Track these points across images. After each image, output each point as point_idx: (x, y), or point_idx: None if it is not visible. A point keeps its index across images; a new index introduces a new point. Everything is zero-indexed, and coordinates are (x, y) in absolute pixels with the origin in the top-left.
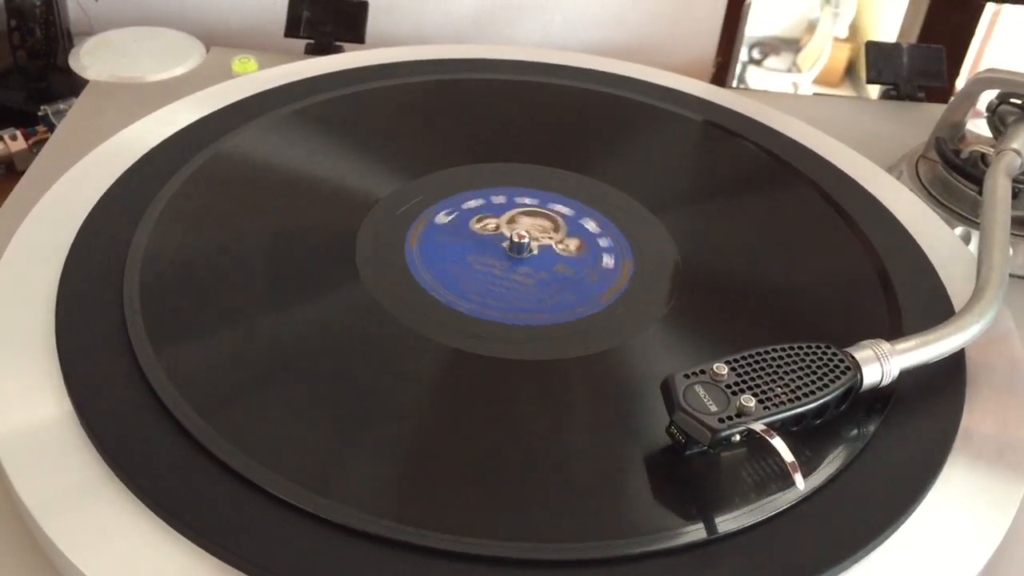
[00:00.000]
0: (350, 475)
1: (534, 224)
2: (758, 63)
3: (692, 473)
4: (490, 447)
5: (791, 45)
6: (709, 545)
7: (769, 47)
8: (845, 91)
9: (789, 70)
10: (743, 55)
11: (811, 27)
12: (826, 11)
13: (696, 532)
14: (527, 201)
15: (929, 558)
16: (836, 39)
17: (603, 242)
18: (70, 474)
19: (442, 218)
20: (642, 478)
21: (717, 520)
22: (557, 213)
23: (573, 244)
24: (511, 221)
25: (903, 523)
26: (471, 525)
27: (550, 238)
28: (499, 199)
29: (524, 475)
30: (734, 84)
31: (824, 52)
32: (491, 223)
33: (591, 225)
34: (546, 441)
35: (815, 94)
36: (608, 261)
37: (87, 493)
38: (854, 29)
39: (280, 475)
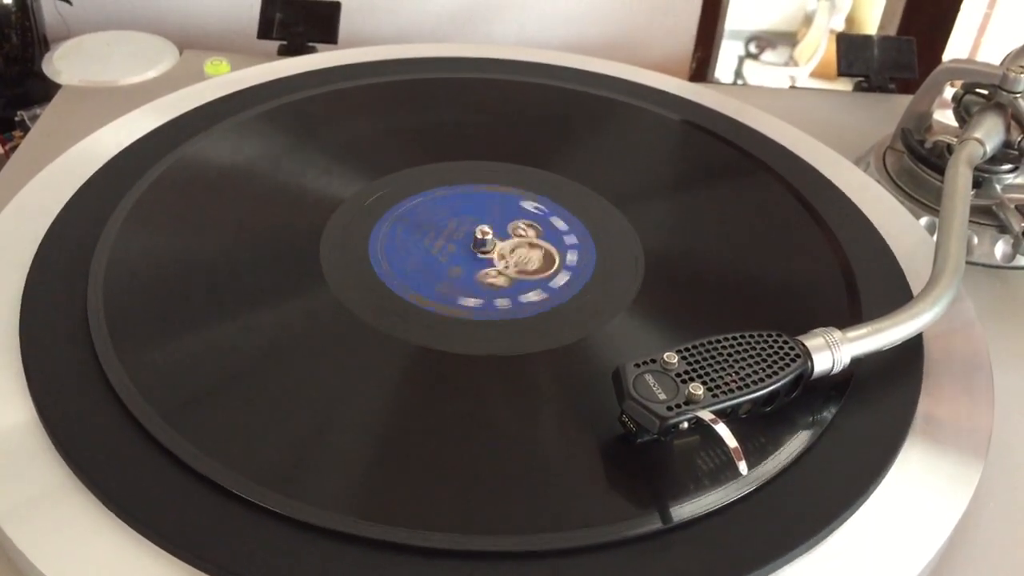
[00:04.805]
0: (317, 475)
1: (524, 255)
2: (755, 57)
3: (647, 463)
4: (451, 443)
5: (788, 39)
6: (666, 533)
7: (766, 41)
8: (842, 84)
9: (786, 64)
10: (740, 50)
11: (808, 20)
12: (822, 4)
13: (652, 521)
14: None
15: (886, 541)
16: (833, 32)
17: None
18: (35, 481)
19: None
20: (598, 468)
21: (673, 508)
22: (561, 257)
23: (500, 280)
24: (515, 247)
25: (861, 506)
26: (428, 519)
27: (504, 265)
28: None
29: (485, 469)
30: (728, 80)
31: (821, 45)
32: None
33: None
34: (508, 435)
35: (792, 87)
36: (502, 303)
37: (52, 500)
38: (851, 21)
39: (247, 477)
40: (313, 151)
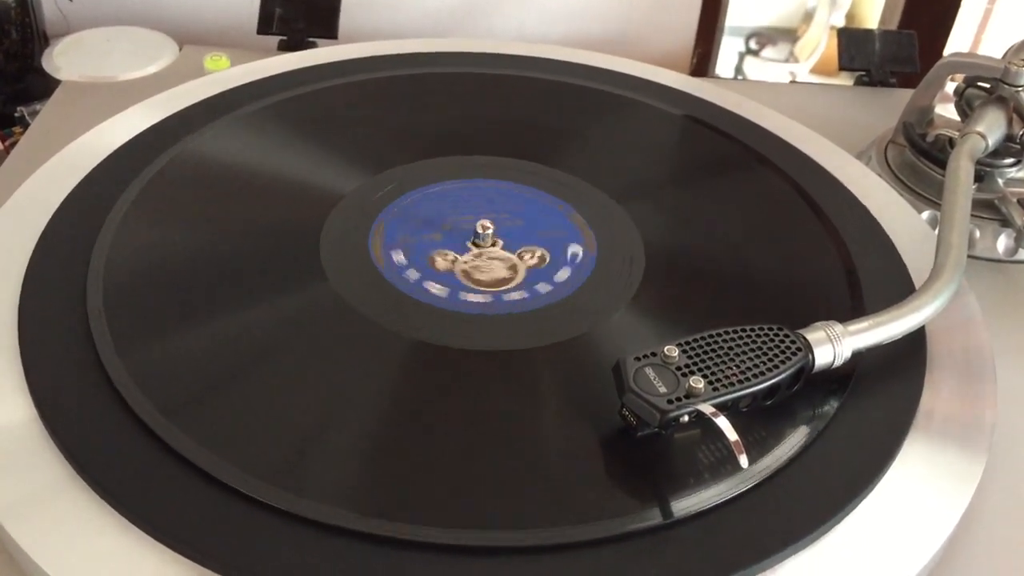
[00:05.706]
0: (318, 470)
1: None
2: (755, 53)
3: (648, 456)
4: (451, 438)
5: (788, 35)
6: (667, 528)
7: (766, 37)
8: (843, 80)
9: (787, 60)
10: (740, 46)
11: (808, 17)
12: (823, 1)
13: (653, 515)
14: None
15: (888, 536)
16: (833, 28)
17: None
18: (35, 478)
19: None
20: (598, 462)
21: (674, 502)
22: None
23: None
24: (475, 258)
25: (863, 501)
26: (428, 515)
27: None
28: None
29: (485, 465)
30: (729, 76)
31: (821, 42)
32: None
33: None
34: (509, 430)
35: (792, 82)
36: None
37: (53, 496)
38: (851, 18)
39: (247, 472)
40: (313, 146)
